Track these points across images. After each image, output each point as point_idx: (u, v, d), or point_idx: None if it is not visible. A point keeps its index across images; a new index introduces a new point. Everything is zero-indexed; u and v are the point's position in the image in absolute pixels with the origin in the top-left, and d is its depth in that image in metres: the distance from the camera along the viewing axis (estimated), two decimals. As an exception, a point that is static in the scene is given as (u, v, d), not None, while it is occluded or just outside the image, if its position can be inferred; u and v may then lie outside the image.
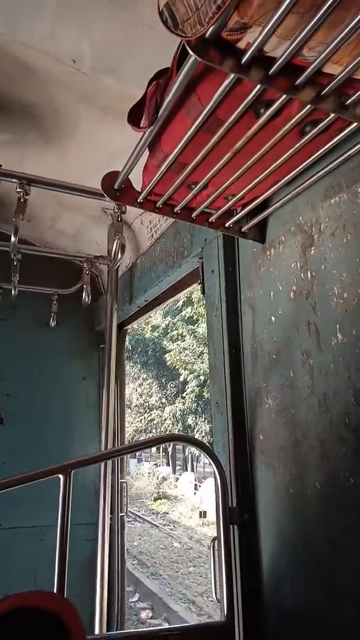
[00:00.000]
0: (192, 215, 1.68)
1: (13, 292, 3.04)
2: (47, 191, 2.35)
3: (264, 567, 1.67)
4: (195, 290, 2.50)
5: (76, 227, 3.30)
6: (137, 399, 24.86)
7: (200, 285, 2.19)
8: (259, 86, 1.03)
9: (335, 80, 1.01)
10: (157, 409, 24.14)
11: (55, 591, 1.44)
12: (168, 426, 22.15)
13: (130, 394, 24.55)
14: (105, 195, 1.57)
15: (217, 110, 1.14)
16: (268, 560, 1.65)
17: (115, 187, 1.55)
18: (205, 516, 16.86)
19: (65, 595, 1.41)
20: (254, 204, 1.62)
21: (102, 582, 2.56)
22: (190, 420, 21.17)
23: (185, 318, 20.72)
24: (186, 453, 26.92)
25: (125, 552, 3.34)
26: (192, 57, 0.95)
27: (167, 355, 21.38)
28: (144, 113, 1.21)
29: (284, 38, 0.92)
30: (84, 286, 3.12)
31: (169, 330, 22.08)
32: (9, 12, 1.64)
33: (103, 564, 2.60)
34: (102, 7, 1.53)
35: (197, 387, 20.09)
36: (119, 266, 2.99)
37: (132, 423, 24.34)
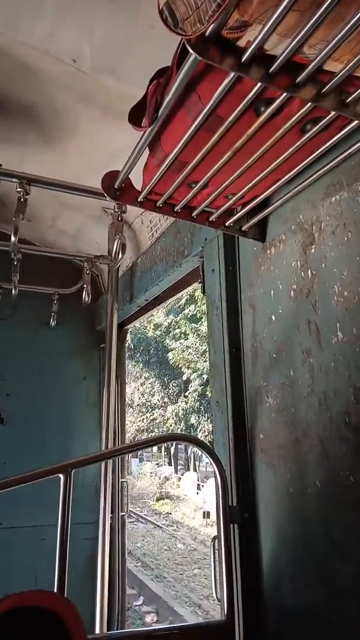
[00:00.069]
0: (193, 215, 1.68)
1: (13, 291, 3.04)
2: (47, 191, 2.35)
3: (264, 565, 1.66)
4: (196, 289, 2.50)
5: (76, 227, 3.30)
6: (139, 398, 24.65)
7: (200, 285, 2.19)
8: (259, 84, 1.03)
9: (336, 78, 1.00)
10: (159, 408, 23.96)
11: (55, 591, 1.44)
12: (171, 425, 21.97)
13: (132, 393, 24.35)
14: (106, 194, 1.57)
15: (217, 108, 1.13)
16: (268, 559, 1.65)
17: (116, 186, 1.55)
18: (208, 516, 16.62)
19: (65, 595, 1.41)
20: (254, 202, 1.62)
21: (102, 581, 2.56)
22: (193, 420, 21.01)
23: (189, 316, 20.60)
24: (189, 453, 26.74)
25: (126, 551, 3.34)
26: (192, 55, 0.95)
27: (169, 354, 21.20)
28: (144, 113, 1.21)
29: (285, 36, 0.92)
30: (85, 286, 3.11)
31: (171, 329, 21.91)
32: (9, 12, 1.64)
33: (103, 563, 2.60)
34: (102, 6, 1.53)
35: (200, 386, 19.99)
36: (119, 266, 2.99)
37: (134, 422, 24.17)
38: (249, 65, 0.97)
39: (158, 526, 16.82)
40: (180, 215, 1.67)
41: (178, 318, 21.39)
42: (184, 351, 20.44)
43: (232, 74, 1.00)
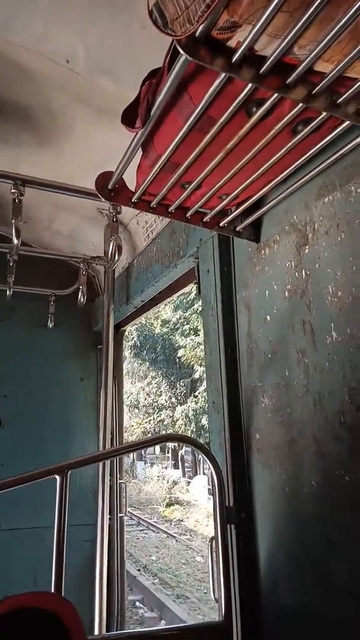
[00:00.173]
0: (187, 215, 1.68)
1: (8, 292, 3.04)
2: (42, 192, 2.35)
3: (261, 565, 1.67)
4: (191, 290, 2.50)
5: (72, 228, 3.30)
6: (145, 399, 24.03)
7: (196, 285, 2.19)
8: (250, 85, 1.03)
9: (327, 79, 1.00)
10: (166, 409, 23.28)
11: (53, 592, 1.44)
12: (180, 427, 21.35)
13: (138, 394, 23.90)
14: (99, 195, 1.56)
15: (208, 109, 1.13)
16: (265, 559, 1.65)
17: (109, 187, 1.55)
18: (223, 524, 15.70)
19: (63, 596, 1.41)
20: (247, 203, 1.62)
21: (101, 582, 2.56)
22: (204, 421, 20.02)
23: (199, 311, 20.09)
24: (197, 456, 26.14)
25: (125, 552, 3.34)
26: (183, 56, 0.95)
27: (178, 351, 20.60)
28: (137, 114, 1.21)
29: (275, 36, 0.92)
30: (81, 287, 3.11)
31: (179, 325, 21.37)
32: (2, 13, 1.63)
33: (102, 564, 2.60)
34: (96, 7, 1.53)
35: (212, 385, 19.50)
36: (115, 267, 2.99)
37: (140, 424, 23.70)
38: (240, 66, 0.97)
39: (171, 535, 15.40)
40: (174, 215, 1.67)
41: (187, 314, 20.85)
42: (195, 348, 19.79)
43: (223, 74, 1.00)
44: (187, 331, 20.73)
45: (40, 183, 2.26)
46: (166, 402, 23.42)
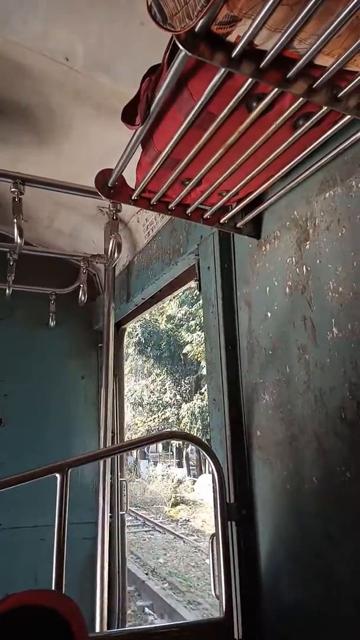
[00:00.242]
0: (187, 212, 1.68)
1: (7, 291, 3.04)
2: (42, 191, 2.35)
3: (262, 562, 1.67)
4: (192, 288, 2.50)
5: (73, 226, 3.30)
6: (149, 397, 23.68)
7: (196, 282, 2.19)
8: (250, 80, 1.03)
9: (327, 72, 1.00)
10: (171, 407, 22.92)
11: (53, 590, 1.44)
12: (186, 425, 21.03)
13: (142, 391, 23.62)
14: (99, 193, 1.56)
15: (209, 105, 1.13)
16: (266, 556, 1.65)
17: (109, 184, 1.54)
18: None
19: (64, 594, 1.41)
20: (248, 199, 1.61)
21: (102, 580, 2.56)
22: None
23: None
24: (201, 453, 25.55)
25: (126, 550, 3.34)
26: (182, 52, 0.94)
27: (184, 347, 20.29)
28: (137, 111, 1.21)
29: (274, 30, 0.92)
30: (81, 285, 3.11)
31: (184, 321, 21.06)
32: (0, 13, 1.63)
33: (103, 562, 2.60)
34: (94, 4, 1.53)
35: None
36: (115, 265, 2.99)
37: (144, 422, 23.43)
38: (240, 61, 0.97)
39: (178, 536, 14.83)
40: (174, 212, 1.67)
41: (193, 309, 20.60)
42: (201, 344, 19.36)
43: (223, 69, 1.00)
44: (193, 327, 20.48)
45: (39, 181, 2.25)
46: (171, 399, 23.09)
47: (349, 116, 1.16)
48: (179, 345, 21.40)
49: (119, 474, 3.29)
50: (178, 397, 22.93)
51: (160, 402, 23.48)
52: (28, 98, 2.04)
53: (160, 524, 16.45)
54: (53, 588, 1.44)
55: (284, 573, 1.55)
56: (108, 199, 1.64)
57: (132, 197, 1.58)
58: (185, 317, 21.19)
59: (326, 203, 1.43)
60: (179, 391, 23.02)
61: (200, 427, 20.39)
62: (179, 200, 1.59)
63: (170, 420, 22.65)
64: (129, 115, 1.25)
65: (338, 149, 1.31)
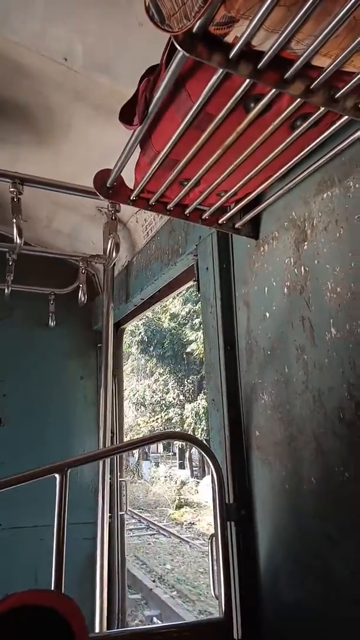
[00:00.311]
0: (186, 212, 1.68)
1: (6, 291, 3.04)
2: (41, 191, 2.35)
3: (261, 562, 1.67)
4: (191, 288, 2.50)
5: (72, 227, 3.30)
6: (152, 397, 23.23)
7: (195, 283, 2.19)
8: (248, 81, 1.03)
9: (325, 73, 1.00)
10: (174, 407, 22.44)
11: (53, 589, 1.44)
12: (190, 425, 20.64)
13: (144, 391, 23.27)
14: (98, 193, 1.56)
15: (206, 106, 1.13)
16: (265, 556, 1.65)
17: (108, 185, 1.54)
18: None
19: (65, 593, 1.41)
20: (246, 199, 1.61)
21: (101, 580, 2.56)
22: None
23: None
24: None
25: (127, 553, 3.34)
26: (180, 52, 0.95)
27: (187, 346, 19.92)
28: (135, 111, 1.21)
29: (272, 31, 0.92)
30: (80, 285, 3.11)
31: (188, 319, 20.71)
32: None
33: (102, 562, 2.60)
34: (93, 4, 1.53)
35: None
36: (114, 265, 2.99)
37: (147, 423, 23.09)
38: (237, 62, 0.97)
39: (184, 540, 14.10)
40: (173, 213, 1.67)
41: (197, 306, 20.10)
42: None
43: (221, 70, 1.00)
44: (198, 325, 20.14)
45: (38, 181, 2.25)
46: (174, 399, 22.65)
47: (346, 117, 1.16)
48: (182, 344, 21.02)
49: (119, 474, 3.29)
50: (181, 397, 22.51)
51: (163, 402, 23.03)
52: (27, 98, 2.04)
53: (164, 527, 15.86)
54: (52, 588, 1.44)
55: (283, 573, 1.56)
56: (107, 199, 1.64)
57: (131, 198, 1.58)
58: (189, 315, 20.86)
59: (324, 203, 1.43)
60: (182, 391, 22.56)
61: (205, 428, 20.06)
62: (178, 200, 1.59)
63: (173, 421, 22.24)
64: (126, 115, 1.25)
65: (336, 150, 1.31)
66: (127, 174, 1.52)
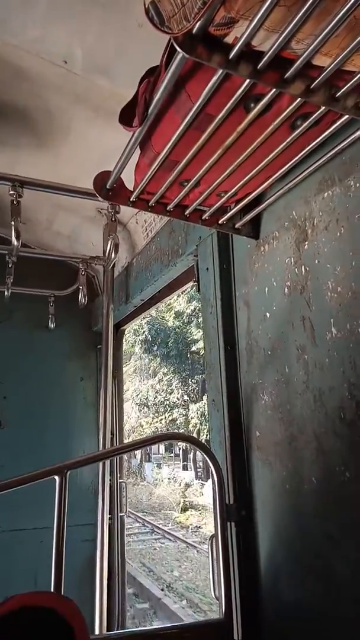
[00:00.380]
0: (186, 213, 1.68)
1: (6, 293, 3.04)
2: (41, 193, 2.35)
3: (261, 563, 1.66)
4: (191, 288, 2.50)
5: (72, 228, 3.30)
6: (155, 397, 22.79)
7: (195, 283, 2.19)
8: (248, 81, 1.03)
9: (325, 73, 1.00)
10: (178, 408, 21.98)
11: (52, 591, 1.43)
12: (195, 426, 20.34)
13: (147, 392, 22.94)
14: (98, 195, 1.56)
15: (207, 106, 1.13)
16: (265, 556, 1.65)
17: (108, 186, 1.55)
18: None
19: (65, 595, 1.40)
20: (247, 200, 1.62)
21: (101, 582, 2.55)
22: None
23: None
24: None
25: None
26: (180, 53, 0.95)
27: (192, 345, 19.52)
28: (135, 113, 1.21)
29: (272, 31, 0.92)
30: (80, 287, 3.11)
31: (193, 317, 20.38)
32: (-1, 14, 1.64)
33: (102, 564, 2.59)
34: (92, 7, 1.53)
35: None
36: (114, 266, 2.99)
37: (150, 424, 22.80)
38: (237, 62, 0.97)
39: (191, 545, 13.57)
40: (173, 214, 1.67)
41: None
42: None
43: (221, 71, 1.00)
44: None
45: (38, 184, 2.26)
46: (178, 400, 22.19)
47: (347, 116, 1.17)
48: (187, 343, 20.65)
49: (118, 475, 3.29)
50: (185, 397, 22.09)
51: (167, 402, 22.60)
52: (26, 101, 2.04)
53: (170, 532, 15.41)
54: (52, 590, 1.44)
55: (284, 573, 1.55)
56: (106, 201, 1.64)
57: (131, 199, 1.59)
58: (194, 313, 20.49)
59: (324, 203, 1.43)
60: (187, 391, 22.14)
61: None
62: (178, 201, 1.59)
63: (178, 422, 21.81)
64: (126, 117, 1.26)
65: (336, 149, 1.31)
66: (126, 175, 1.52)
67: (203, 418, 20.25)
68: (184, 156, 1.33)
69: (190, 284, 2.42)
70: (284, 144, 1.27)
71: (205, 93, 1.08)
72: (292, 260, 1.56)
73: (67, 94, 1.96)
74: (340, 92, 1.06)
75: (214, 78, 1.04)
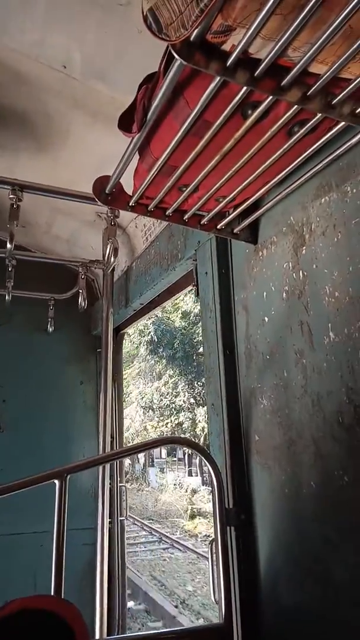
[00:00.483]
0: (184, 218, 1.69)
1: (7, 297, 3.05)
2: (40, 197, 2.36)
3: (261, 567, 1.67)
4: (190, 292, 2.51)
5: (71, 232, 3.31)
6: (160, 400, 22.03)
7: (194, 288, 2.19)
8: (245, 88, 1.04)
9: (321, 80, 1.01)
10: (185, 411, 21.13)
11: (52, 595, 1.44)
12: (202, 430, 19.56)
13: (152, 394, 22.34)
14: (97, 199, 1.57)
15: (204, 113, 1.14)
16: (265, 560, 1.65)
17: (107, 191, 1.55)
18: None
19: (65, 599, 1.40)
20: (245, 205, 1.62)
21: (101, 586, 2.55)
22: None
23: None
24: None
25: (126, 556, 3.33)
26: (178, 61, 0.95)
27: (199, 347, 18.59)
28: (134, 118, 1.22)
29: (269, 39, 0.93)
30: (80, 291, 3.12)
31: (200, 318, 19.88)
32: (-1, 19, 1.65)
33: (102, 568, 2.59)
34: (92, 12, 1.54)
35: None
36: (114, 270, 3.00)
37: (155, 427, 22.20)
38: (235, 69, 0.98)
39: (202, 556, 12.49)
40: (171, 219, 1.68)
41: None
42: None
43: (218, 78, 1.01)
44: None
45: (38, 188, 2.27)
46: (184, 403, 21.34)
47: (343, 123, 1.17)
48: (194, 345, 20.05)
49: (118, 479, 3.29)
50: (192, 400, 21.25)
51: (173, 405, 21.78)
52: (25, 105, 2.05)
53: (178, 541, 14.54)
54: (52, 593, 1.44)
55: (283, 577, 1.56)
56: (106, 205, 1.65)
57: (130, 204, 1.59)
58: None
59: (322, 208, 1.44)
60: (193, 394, 21.28)
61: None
62: (176, 206, 1.60)
63: (184, 426, 20.96)
64: (125, 123, 1.26)
65: (333, 155, 1.32)
66: (125, 180, 1.53)
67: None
68: (183, 162, 1.34)
69: (189, 288, 2.43)
70: (281, 150, 1.28)
71: (203, 100, 1.09)
72: (290, 265, 1.57)
73: (66, 98, 1.97)
74: (337, 100, 1.07)
75: (212, 85, 1.05)
